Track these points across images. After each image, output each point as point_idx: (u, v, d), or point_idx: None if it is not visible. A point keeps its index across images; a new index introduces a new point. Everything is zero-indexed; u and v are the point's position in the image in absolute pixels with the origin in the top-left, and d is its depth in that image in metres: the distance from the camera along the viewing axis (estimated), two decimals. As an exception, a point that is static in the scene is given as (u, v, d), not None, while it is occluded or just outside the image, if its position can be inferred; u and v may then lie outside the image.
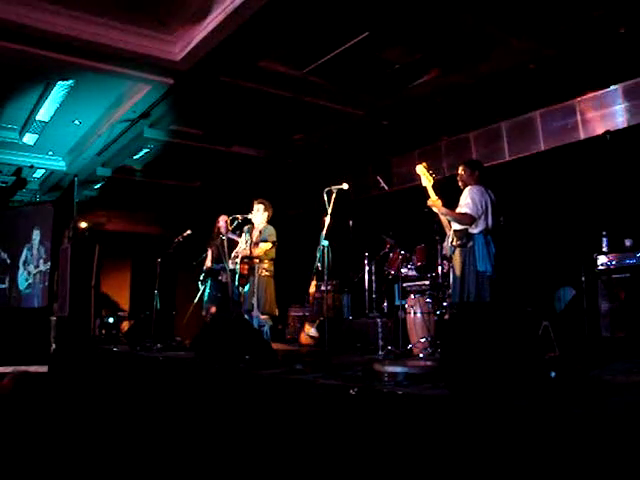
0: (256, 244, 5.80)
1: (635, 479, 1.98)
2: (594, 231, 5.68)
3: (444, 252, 5.03)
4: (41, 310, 9.10)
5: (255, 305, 5.64)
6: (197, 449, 3.67)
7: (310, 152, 8.67)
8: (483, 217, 4.46)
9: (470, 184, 4.61)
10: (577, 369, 4.00)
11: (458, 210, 4.56)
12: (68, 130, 7.91)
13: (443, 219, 4.72)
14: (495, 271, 4.45)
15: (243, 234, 6.01)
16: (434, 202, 4.61)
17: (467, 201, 4.47)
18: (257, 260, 5.74)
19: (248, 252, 5.73)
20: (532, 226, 6.50)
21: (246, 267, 5.77)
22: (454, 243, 4.58)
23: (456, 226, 4.59)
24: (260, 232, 5.86)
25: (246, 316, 5.75)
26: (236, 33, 5.18)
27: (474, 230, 4.48)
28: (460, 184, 4.73)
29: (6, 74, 6.14)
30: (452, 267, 4.68)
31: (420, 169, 4.73)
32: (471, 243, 4.47)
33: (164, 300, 7.55)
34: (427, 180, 4.69)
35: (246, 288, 5.84)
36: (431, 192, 4.65)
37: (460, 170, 4.75)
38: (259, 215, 5.90)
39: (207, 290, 6.79)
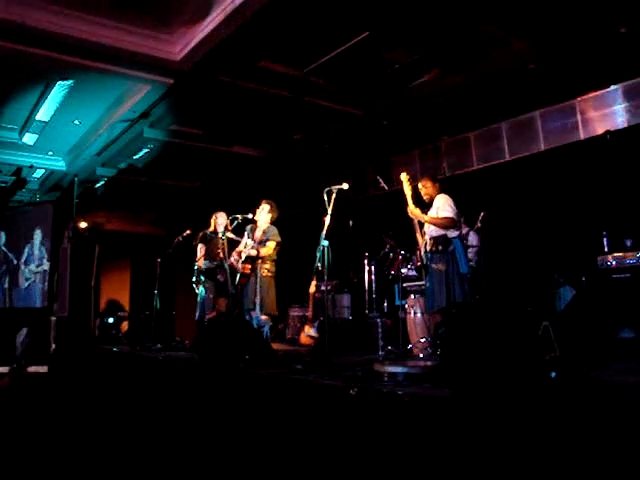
0: (261, 243, 5.79)
1: (635, 479, 1.98)
2: (595, 231, 5.67)
3: (417, 261, 5.16)
4: (41, 310, 9.09)
5: (258, 305, 5.63)
6: (197, 449, 3.67)
7: (310, 152, 8.67)
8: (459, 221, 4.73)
9: (436, 194, 4.86)
10: (577, 369, 4.00)
11: (437, 215, 4.73)
12: (68, 130, 7.90)
13: (417, 227, 4.90)
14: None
15: (245, 233, 5.99)
16: (413, 211, 4.84)
17: (445, 207, 4.69)
18: (259, 260, 5.73)
19: (255, 252, 5.70)
20: (532, 226, 6.50)
21: (249, 267, 5.76)
22: (433, 249, 4.72)
23: (433, 233, 4.75)
24: (263, 232, 5.84)
25: (246, 315, 5.74)
26: (236, 33, 5.18)
27: (453, 234, 4.67)
28: (425, 197, 4.95)
29: (6, 74, 6.14)
30: (431, 273, 4.77)
31: (404, 177, 4.98)
32: (452, 247, 4.64)
33: (164, 300, 7.54)
34: (408, 189, 4.91)
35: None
36: (410, 201, 4.87)
37: (421, 185, 4.98)
38: (263, 214, 5.88)
39: (202, 292, 6.59)
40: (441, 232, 4.69)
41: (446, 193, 4.85)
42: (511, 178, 6.97)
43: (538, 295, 6.07)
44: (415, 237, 4.98)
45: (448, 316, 4.60)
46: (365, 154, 8.82)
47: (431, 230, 4.78)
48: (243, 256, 5.81)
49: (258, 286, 5.66)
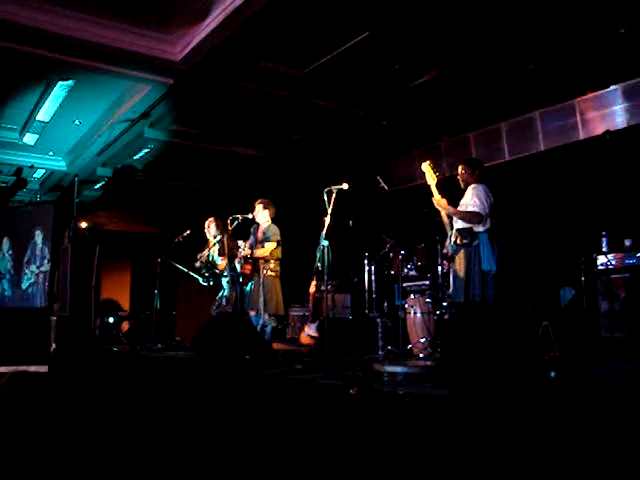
0: (260, 243, 5.81)
1: (634, 479, 1.99)
2: (594, 231, 5.68)
3: (445, 251, 4.97)
4: (41, 310, 9.10)
5: (261, 306, 5.64)
6: (197, 449, 3.68)
7: (310, 152, 8.67)
8: (489, 215, 4.47)
9: (472, 183, 4.61)
10: (577, 369, 4.00)
11: (464, 209, 4.55)
12: (68, 130, 7.91)
13: (444, 218, 4.68)
14: (498, 270, 4.42)
15: (251, 234, 6.02)
16: (439, 201, 4.61)
17: (474, 200, 4.46)
18: (262, 260, 5.74)
19: (248, 252, 5.72)
20: (532, 226, 6.50)
21: (249, 267, 5.75)
22: (458, 242, 4.54)
23: (459, 225, 4.56)
24: (263, 232, 5.86)
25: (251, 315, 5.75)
26: (236, 33, 5.18)
27: (479, 228, 4.46)
28: (461, 184, 4.71)
29: (6, 74, 6.14)
30: (453, 266, 4.64)
31: (425, 167, 4.73)
32: (476, 242, 4.44)
33: (164, 300, 7.55)
34: (431, 178, 4.68)
35: (247, 287, 5.85)
36: (435, 191, 4.64)
37: (460, 169, 4.74)
38: (260, 214, 5.92)
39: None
40: (467, 224, 4.49)
41: (483, 182, 4.59)
42: (511, 178, 6.97)
43: (538, 295, 6.07)
44: (444, 228, 4.75)
45: (451, 315, 4.58)
46: (365, 154, 8.82)
47: (458, 221, 4.58)
48: (242, 257, 5.83)
49: (261, 287, 5.66)
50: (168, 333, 8.25)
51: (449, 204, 4.62)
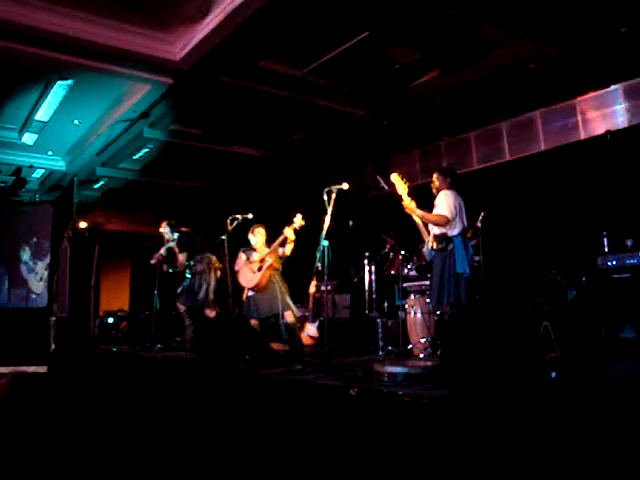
0: (281, 259, 5.77)
1: (635, 479, 1.98)
2: (595, 231, 5.67)
3: (423, 250, 5.11)
4: (41, 310, 9.09)
5: (292, 306, 5.64)
6: (197, 449, 3.67)
7: (310, 152, 8.66)
8: (458, 219, 4.59)
9: (443, 189, 4.75)
10: (578, 369, 4.00)
11: (434, 212, 4.68)
12: (68, 130, 7.89)
13: (420, 224, 4.81)
14: (471, 272, 4.54)
15: (242, 254, 5.87)
16: (408, 205, 4.73)
17: (442, 203, 4.62)
18: (277, 267, 5.73)
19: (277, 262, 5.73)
20: (533, 226, 6.50)
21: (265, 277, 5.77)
22: (435, 247, 4.68)
23: (436, 230, 4.69)
24: (274, 250, 5.72)
25: (282, 320, 5.70)
26: (236, 33, 5.18)
27: (452, 232, 4.60)
28: (434, 191, 4.85)
29: (6, 74, 6.13)
30: (432, 270, 4.75)
31: (394, 177, 4.86)
32: (451, 246, 4.58)
33: (164, 300, 7.55)
34: (402, 188, 4.81)
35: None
36: (405, 196, 4.77)
37: (434, 177, 4.88)
38: (260, 237, 5.77)
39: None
40: (442, 230, 4.62)
41: (453, 189, 4.73)
42: (511, 178, 6.97)
43: (538, 295, 6.06)
44: (420, 234, 4.88)
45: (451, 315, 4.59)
46: (365, 154, 8.82)
47: (433, 227, 4.73)
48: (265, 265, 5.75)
49: (279, 292, 5.66)
50: (168, 333, 8.24)
51: (418, 207, 4.74)
